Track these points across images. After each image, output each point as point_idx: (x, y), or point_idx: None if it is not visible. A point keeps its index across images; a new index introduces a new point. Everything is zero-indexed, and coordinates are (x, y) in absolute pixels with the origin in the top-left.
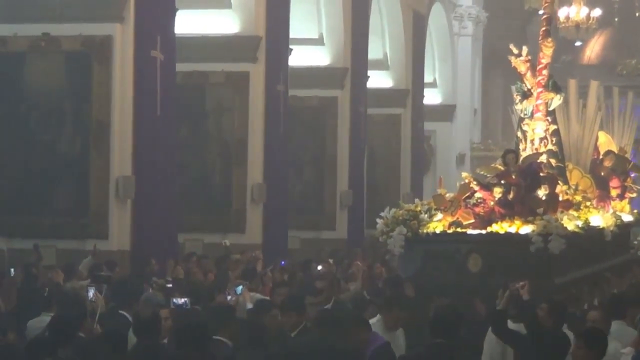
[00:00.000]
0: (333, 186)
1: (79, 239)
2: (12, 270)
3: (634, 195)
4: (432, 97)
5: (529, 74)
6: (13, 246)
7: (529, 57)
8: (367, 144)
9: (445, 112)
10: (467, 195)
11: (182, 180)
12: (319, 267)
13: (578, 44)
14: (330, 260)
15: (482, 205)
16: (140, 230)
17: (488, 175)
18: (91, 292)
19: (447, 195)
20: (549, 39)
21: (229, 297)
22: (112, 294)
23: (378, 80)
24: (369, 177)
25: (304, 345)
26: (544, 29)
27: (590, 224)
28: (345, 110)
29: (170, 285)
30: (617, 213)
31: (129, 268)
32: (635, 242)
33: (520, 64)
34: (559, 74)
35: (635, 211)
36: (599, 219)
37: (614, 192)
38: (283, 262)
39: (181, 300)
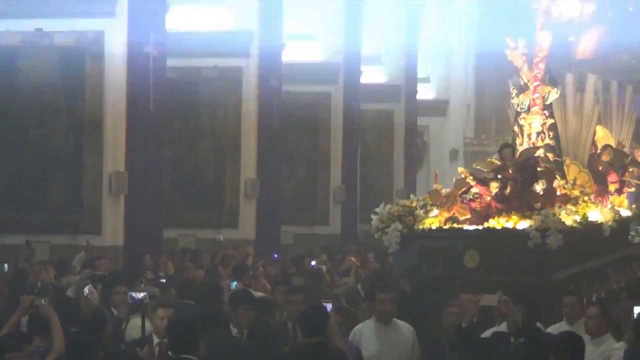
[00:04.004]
0: (326, 181)
1: (72, 234)
2: (6, 265)
3: (632, 189)
4: (425, 92)
5: (525, 68)
6: (6, 242)
7: (525, 51)
8: (360, 140)
9: (438, 107)
10: (463, 190)
11: (175, 175)
12: (313, 263)
13: (571, 39)
14: (324, 256)
15: (479, 200)
16: (133, 226)
17: (485, 170)
18: (86, 289)
19: (443, 190)
20: (546, 32)
21: None
22: (103, 288)
23: (371, 75)
24: (362, 173)
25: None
26: (540, 21)
27: (589, 219)
28: (339, 106)
29: (163, 280)
30: (616, 208)
31: (122, 263)
32: (629, 237)
33: (516, 58)
34: (551, 69)
35: (634, 206)
36: (597, 213)
37: (612, 187)
38: (276, 256)
39: (140, 295)
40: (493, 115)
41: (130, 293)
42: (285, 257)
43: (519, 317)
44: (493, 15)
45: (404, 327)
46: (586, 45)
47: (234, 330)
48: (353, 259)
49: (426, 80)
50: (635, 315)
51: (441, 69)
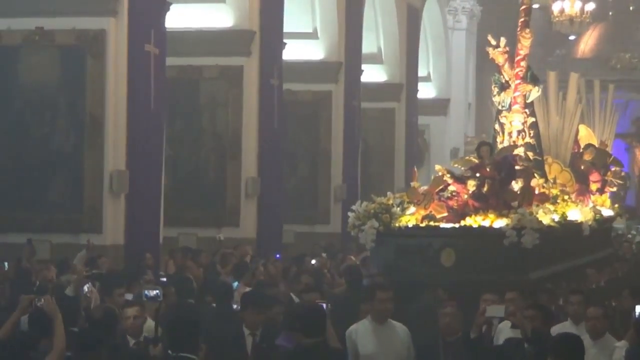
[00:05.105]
0: (327, 180)
1: (73, 233)
2: (6, 264)
3: (614, 189)
4: (426, 91)
5: (507, 66)
6: (7, 241)
7: (507, 49)
8: (361, 138)
9: (439, 106)
10: (440, 188)
11: (176, 174)
12: (313, 261)
13: (572, 37)
14: (324, 254)
15: (456, 198)
16: (134, 225)
17: (462, 168)
18: (86, 287)
19: (421, 188)
20: (527, 30)
21: (234, 307)
22: (101, 286)
23: (372, 74)
24: (363, 171)
25: None
26: (522, 20)
27: (568, 218)
28: (340, 105)
29: (164, 279)
30: (597, 207)
31: (123, 262)
32: (630, 236)
33: (498, 56)
34: (553, 68)
35: (616, 206)
36: (577, 213)
37: (593, 186)
38: (278, 255)
39: (153, 292)
40: (493, 114)
41: (144, 291)
42: (286, 256)
43: (528, 326)
44: (495, 13)
45: (399, 328)
46: (587, 44)
47: (246, 331)
48: (353, 257)
49: (427, 79)
50: (636, 314)
51: (442, 68)
